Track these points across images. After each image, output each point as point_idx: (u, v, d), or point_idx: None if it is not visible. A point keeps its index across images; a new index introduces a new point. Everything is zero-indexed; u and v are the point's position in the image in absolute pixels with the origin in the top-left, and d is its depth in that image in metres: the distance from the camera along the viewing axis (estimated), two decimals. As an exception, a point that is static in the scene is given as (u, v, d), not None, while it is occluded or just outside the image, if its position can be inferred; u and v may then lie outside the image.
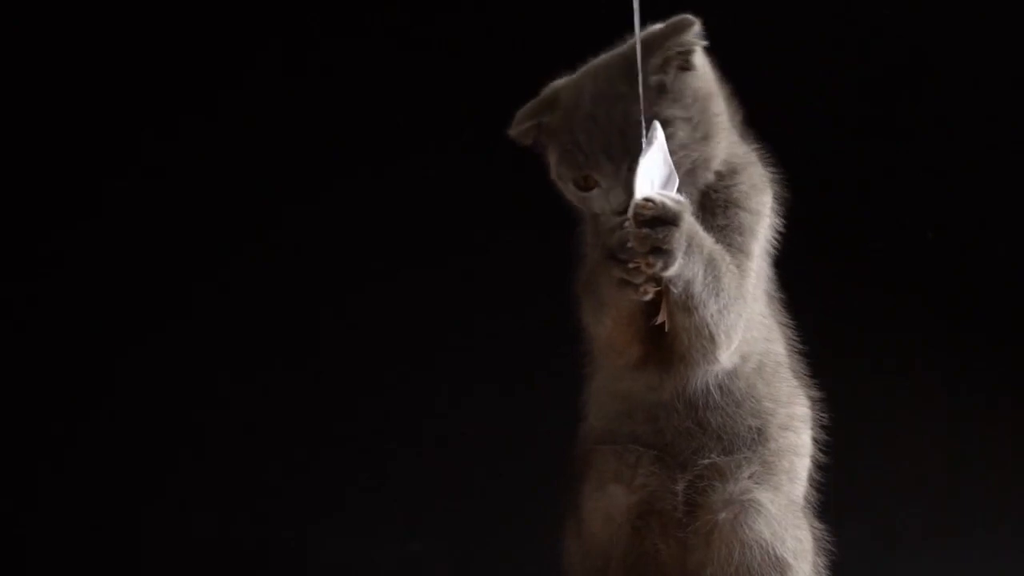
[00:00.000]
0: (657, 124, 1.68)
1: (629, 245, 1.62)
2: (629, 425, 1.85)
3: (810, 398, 1.92)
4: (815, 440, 1.92)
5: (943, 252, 2.82)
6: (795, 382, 1.91)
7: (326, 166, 2.83)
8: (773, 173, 1.88)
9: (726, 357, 1.77)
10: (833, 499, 1.95)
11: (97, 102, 2.84)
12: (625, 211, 1.64)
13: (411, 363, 2.81)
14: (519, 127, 1.82)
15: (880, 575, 2.67)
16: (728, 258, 1.74)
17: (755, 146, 1.88)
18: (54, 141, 2.84)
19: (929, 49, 2.82)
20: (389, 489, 2.80)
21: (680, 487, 1.81)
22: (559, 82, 1.84)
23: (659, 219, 1.61)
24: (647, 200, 1.61)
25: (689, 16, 1.75)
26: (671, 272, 1.64)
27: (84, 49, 2.84)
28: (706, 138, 1.76)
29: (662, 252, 1.61)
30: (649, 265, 1.61)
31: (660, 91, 1.73)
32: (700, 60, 1.77)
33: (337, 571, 2.75)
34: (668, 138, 1.69)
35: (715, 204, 1.80)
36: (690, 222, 1.65)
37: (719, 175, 1.81)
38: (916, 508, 2.77)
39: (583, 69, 1.83)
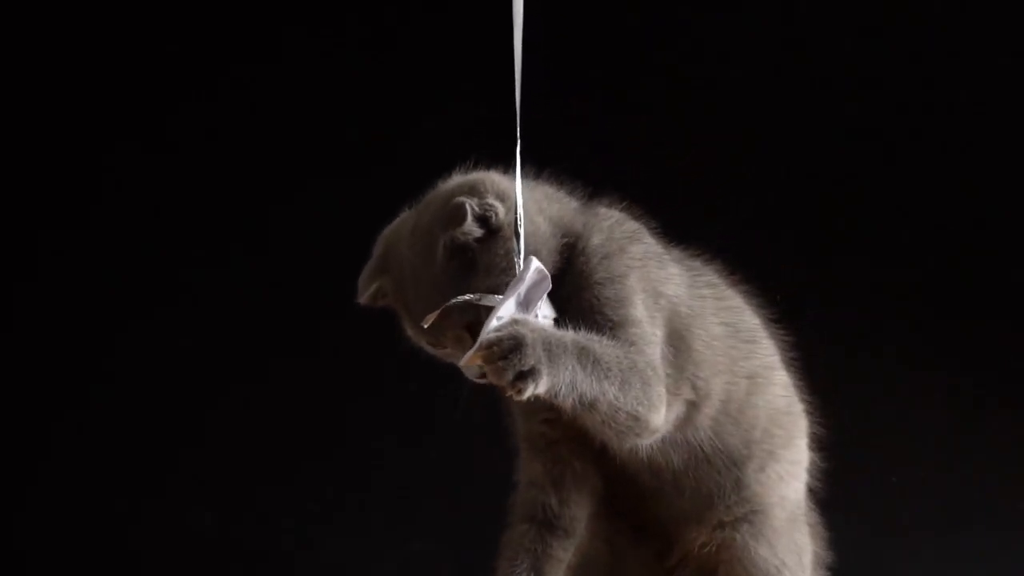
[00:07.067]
0: (522, 263, 1.65)
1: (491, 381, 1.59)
2: (613, 501, 1.86)
3: (803, 402, 1.91)
4: (813, 435, 1.92)
5: (943, 252, 2.82)
6: (781, 399, 1.87)
7: (326, 166, 2.83)
8: (631, 216, 1.83)
9: (660, 420, 1.70)
10: (834, 498, 1.96)
11: (97, 103, 2.84)
12: (474, 377, 1.63)
13: (411, 363, 2.81)
14: (364, 294, 1.80)
15: (880, 575, 2.67)
16: (596, 336, 1.66)
17: (605, 204, 1.84)
18: (53, 141, 2.84)
19: (929, 49, 2.82)
20: (389, 489, 2.80)
21: (665, 550, 1.86)
22: (385, 235, 1.80)
23: (503, 352, 1.56)
24: (487, 343, 1.57)
25: (457, 202, 1.69)
26: (545, 387, 1.58)
27: (83, 51, 2.84)
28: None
29: (525, 373, 1.56)
30: (520, 391, 1.56)
31: (469, 268, 1.69)
32: (503, 216, 1.70)
33: (337, 571, 2.75)
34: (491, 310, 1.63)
35: (570, 293, 1.73)
36: (536, 330, 1.58)
37: (565, 259, 1.75)
38: (916, 508, 2.77)
39: (401, 220, 1.79)
